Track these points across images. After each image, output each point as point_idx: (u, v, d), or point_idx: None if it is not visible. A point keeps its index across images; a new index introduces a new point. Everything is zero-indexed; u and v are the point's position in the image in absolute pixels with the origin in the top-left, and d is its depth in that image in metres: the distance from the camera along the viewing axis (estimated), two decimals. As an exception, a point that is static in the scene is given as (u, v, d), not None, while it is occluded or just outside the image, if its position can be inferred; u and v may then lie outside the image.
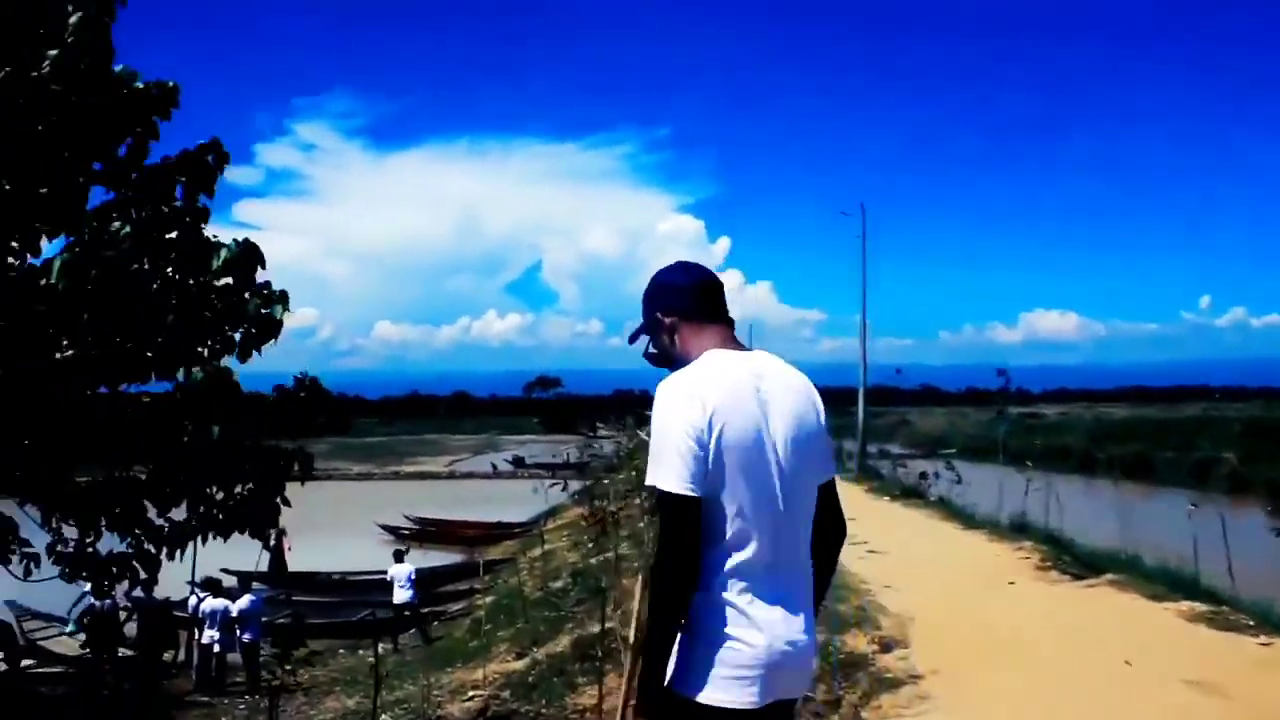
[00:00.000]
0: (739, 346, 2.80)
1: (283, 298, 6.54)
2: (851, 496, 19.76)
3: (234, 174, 6.92)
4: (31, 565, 7.01)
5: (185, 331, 6.45)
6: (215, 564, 16.82)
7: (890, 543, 11.33)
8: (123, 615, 15.62)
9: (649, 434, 2.76)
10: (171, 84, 6.52)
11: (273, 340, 6.57)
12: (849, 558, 10.28)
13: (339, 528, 32.52)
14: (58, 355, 6.34)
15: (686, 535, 2.51)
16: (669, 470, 2.53)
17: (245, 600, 15.75)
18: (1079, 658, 7.06)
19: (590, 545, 21.81)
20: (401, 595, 18.63)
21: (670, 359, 2.84)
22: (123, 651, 15.91)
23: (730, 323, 2.88)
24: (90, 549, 6.94)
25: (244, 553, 17.23)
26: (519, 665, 11.89)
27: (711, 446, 2.53)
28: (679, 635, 2.58)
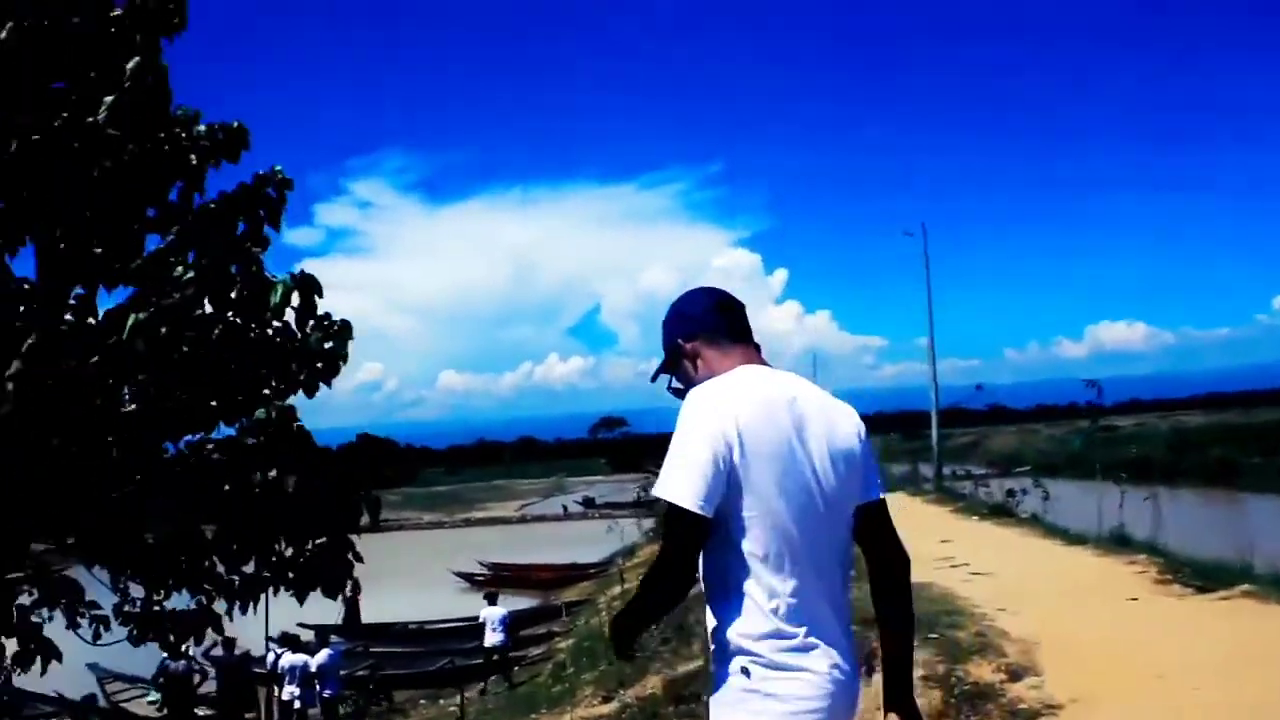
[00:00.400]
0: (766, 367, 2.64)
1: (345, 328, 6.20)
2: (938, 518, 19.33)
3: (294, 235, 6.67)
4: (101, 628, 6.72)
5: (249, 376, 6.15)
6: (290, 618, 16.56)
7: (992, 563, 10.73)
8: (196, 677, 15.44)
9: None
10: (237, 124, 6.24)
11: (337, 374, 6.22)
12: (953, 581, 9.73)
13: (412, 577, 32.33)
14: (122, 410, 6.05)
15: (686, 555, 2.38)
16: (680, 484, 2.36)
17: (324, 655, 15.44)
18: (1245, 682, 6.31)
19: None
20: (493, 638, 18.27)
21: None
22: (202, 711, 15.74)
23: (756, 346, 2.70)
24: (158, 607, 6.60)
25: (318, 606, 17.12)
26: (606, 709, 11.48)
27: (736, 460, 2.36)
28: (716, 671, 2.45)
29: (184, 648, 15.19)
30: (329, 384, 6.21)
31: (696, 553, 2.39)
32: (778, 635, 2.36)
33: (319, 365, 6.18)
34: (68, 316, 6.06)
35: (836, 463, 2.48)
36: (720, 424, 2.38)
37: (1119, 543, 13.94)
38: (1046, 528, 15.10)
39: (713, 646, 2.49)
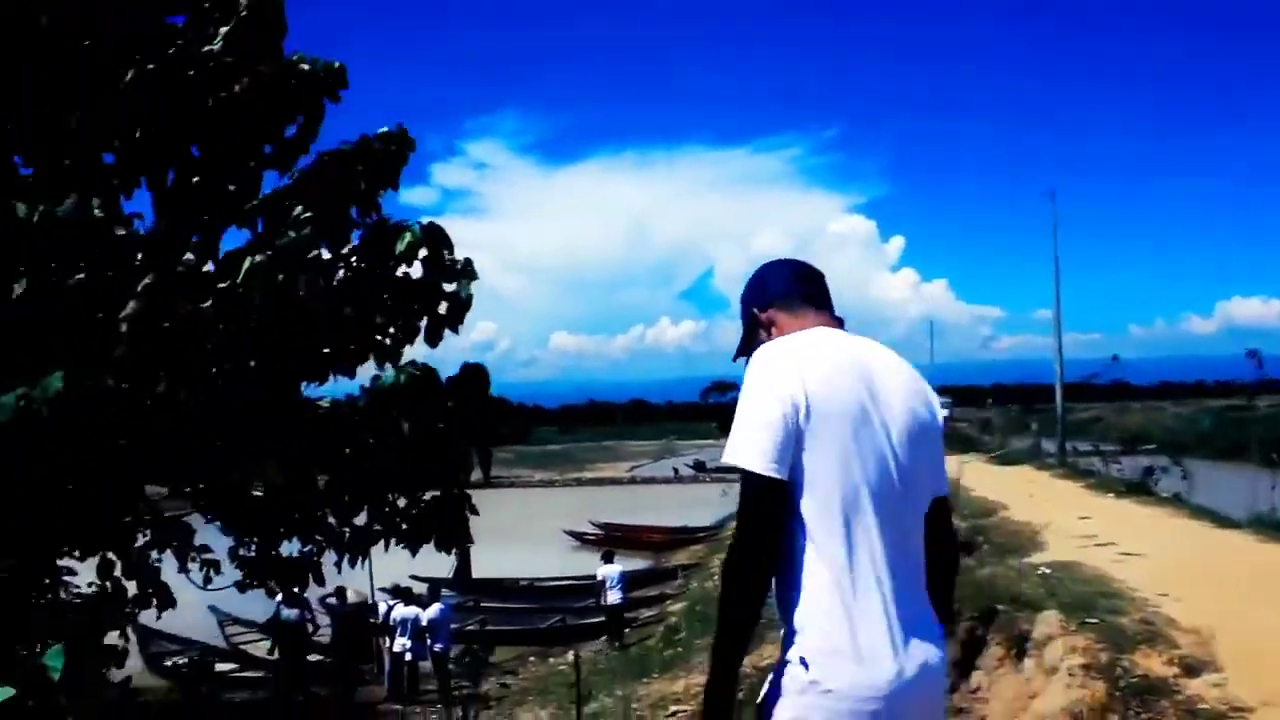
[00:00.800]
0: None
1: (468, 267, 5.85)
2: (1070, 493, 18.37)
3: (410, 195, 6.43)
4: (211, 572, 6.57)
5: (367, 324, 5.85)
6: (402, 570, 16.58)
7: (1140, 544, 9.96)
8: (309, 625, 15.53)
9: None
10: (338, 65, 6.06)
11: (461, 320, 5.88)
12: (1102, 561, 9.02)
13: (522, 534, 32.41)
14: (237, 356, 5.81)
15: (765, 525, 2.13)
16: (750, 446, 2.14)
17: (435, 609, 15.40)
18: None
19: None
20: (612, 597, 18.14)
21: None
22: (315, 658, 15.90)
23: (836, 316, 2.49)
24: (272, 554, 6.41)
25: (430, 559, 17.10)
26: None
27: (802, 421, 2.14)
28: (779, 658, 2.15)
29: (298, 595, 15.36)
30: (455, 329, 5.88)
31: (778, 520, 2.14)
32: (844, 619, 2.10)
33: (442, 311, 5.86)
34: (188, 256, 5.86)
35: (916, 438, 2.26)
36: (786, 382, 2.17)
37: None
38: (1193, 509, 14.14)
39: (780, 631, 2.20)
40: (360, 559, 6.32)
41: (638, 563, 27.27)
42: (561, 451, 75.16)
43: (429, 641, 15.06)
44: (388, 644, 15.67)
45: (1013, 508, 14.14)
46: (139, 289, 5.19)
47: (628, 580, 18.17)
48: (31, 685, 3.11)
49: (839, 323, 2.47)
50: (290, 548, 6.50)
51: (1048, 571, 8.20)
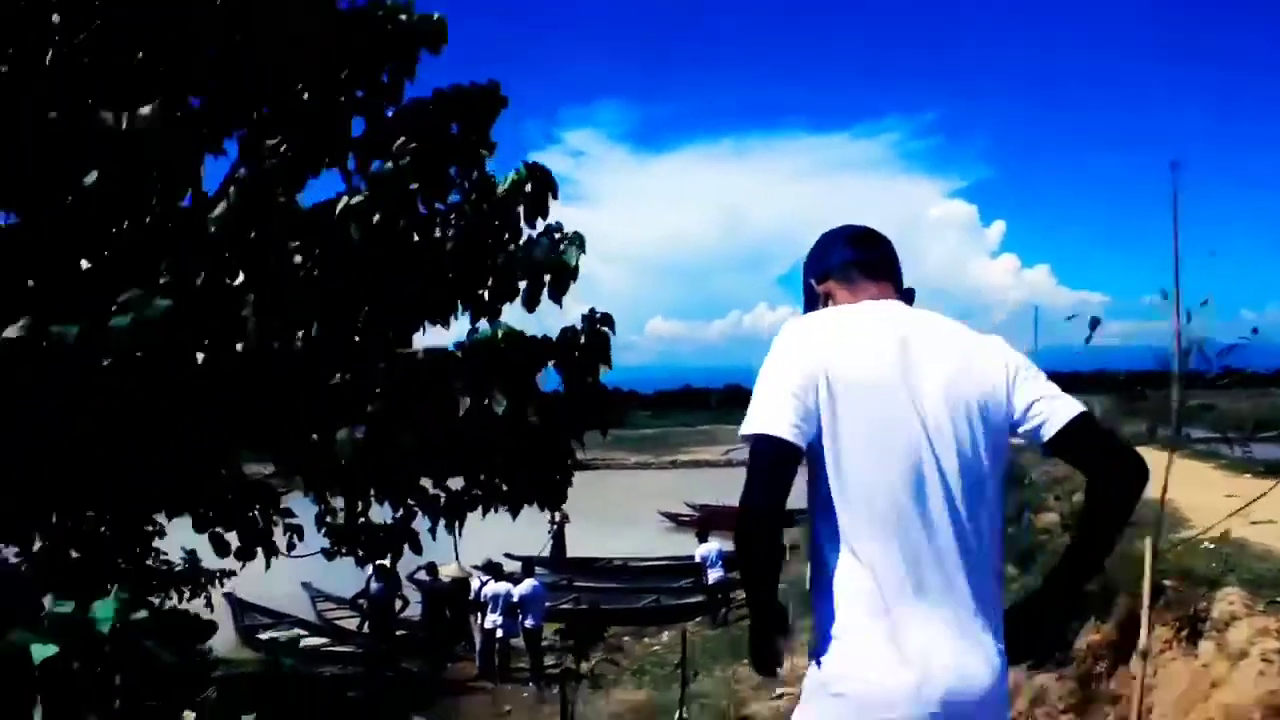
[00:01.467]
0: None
1: (577, 239, 5.47)
2: (1201, 472, 17.13)
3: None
4: (295, 537, 6.29)
5: (465, 274, 5.50)
6: (496, 548, 16.45)
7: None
8: (398, 601, 15.40)
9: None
10: (437, 16, 5.83)
11: (565, 291, 5.50)
12: (1272, 538, 8.18)
13: (617, 516, 32.18)
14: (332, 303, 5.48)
15: (767, 488, 2.01)
16: (761, 412, 2.04)
17: (527, 585, 15.12)
18: None
19: None
20: (713, 575, 17.83)
21: None
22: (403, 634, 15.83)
23: (900, 284, 2.34)
24: (360, 520, 6.08)
25: (522, 538, 17.00)
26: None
27: (823, 396, 2.03)
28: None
29: (385, 567, 15.26)
30: (557, 300, 5.49)
31: (785, 490, 2.02)
32: (863, 619, 1.99)
33: (545, 277, 5.47)
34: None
35: (967, 408, 2.09)
36: (807, 356, 2.07)
37: None
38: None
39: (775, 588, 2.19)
40: (455, 525, 5.97)
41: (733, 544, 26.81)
42: (657, 435, 74.93)
43: (521, 618, 14.82)
44: (479, 621, 15.46)
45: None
46: (219, 213, 4.89)
47: (726, 558, 17.65)
48: (79, 638, 2.80)
49: (905, 293, 2.34)
50: (381, 515, 6.19)
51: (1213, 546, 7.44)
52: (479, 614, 15.39)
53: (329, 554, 6.15)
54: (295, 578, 21.01)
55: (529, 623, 14.76)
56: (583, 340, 5.68)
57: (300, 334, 5.14)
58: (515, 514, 5.80)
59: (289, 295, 5.03)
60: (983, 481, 2.09)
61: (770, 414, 2.02)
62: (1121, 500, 2.10)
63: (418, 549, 6.13)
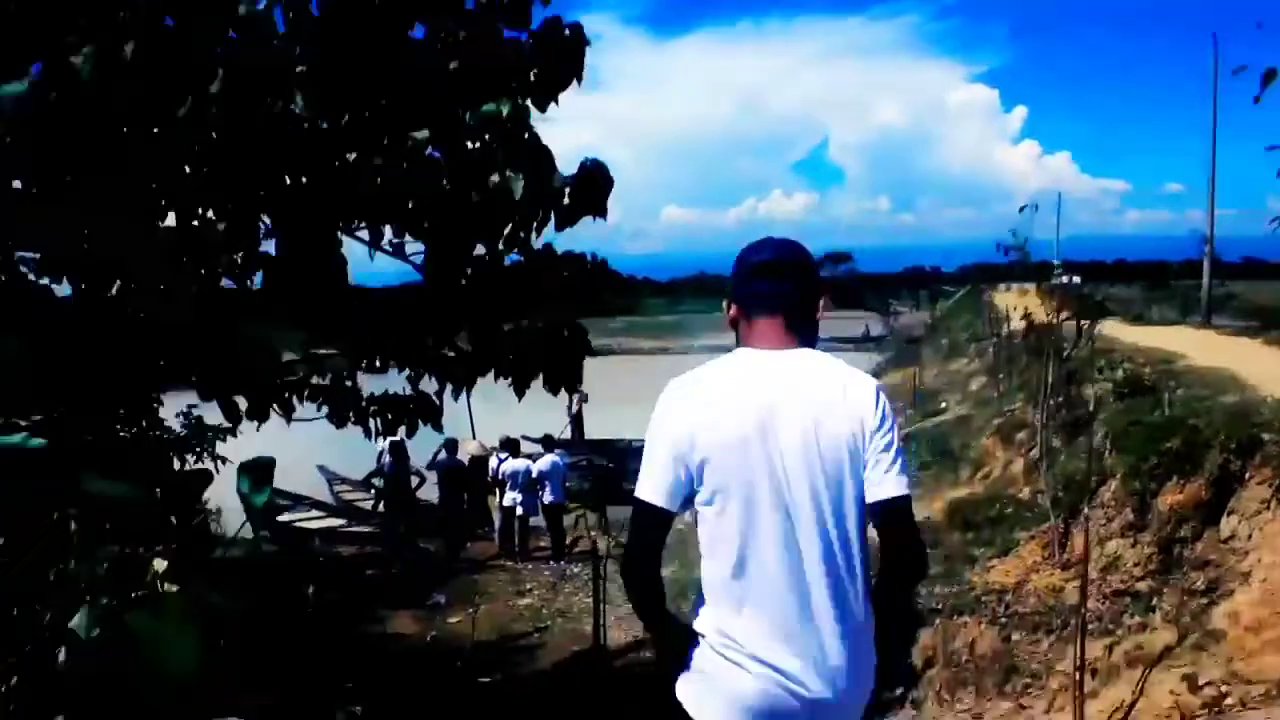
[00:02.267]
0: (790, 342, 2.48)
1: (577, 32, 4.72)
2: (1243, 345, 16.60)
3: None
4: (295, 399, 5.72)
5: (458, 73, 4.75)
6: (518, 428, 16.08)
7: None
8: (414, 479, 15.08)
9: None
10: None
11: (565, 87, 4.73)
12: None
13: (635, 399, 31.73)
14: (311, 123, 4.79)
15: (647, 546, 2.44)
16: (644, 481, 2.43)
17: (547, 460, 14.73)
18: None
19: (910, 411, 20.44)
20: None
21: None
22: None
23: (793, 310, 2.52)
24: (352, 385, 5.52)
25: (539, 420, 16.64)
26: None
27: (693, 461, 2.36)
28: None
29: (398, 444, 14.92)
30: (554, 98, 4.75)
31: (658, 544, 2.42)
32: (734, 651, 2.33)
33: (548, 73, 4.74)
34: None
35: (822, 463, 2.33)
36: (677, 427, 2.39)
37: None
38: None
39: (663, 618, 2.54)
40: (463, 390, 5.40)
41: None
42: (673, 323, 74.71)
43: (540, 494, 14.47)
44: (498, 499, 15.13)
45: (1192, 356, 12.70)
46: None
47: None
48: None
49: (797, 321, 2.51)
50: (386, 384, 5.64)
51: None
52: (498, 492, 15.06)
53: (339, 421, 5.57)
54: (310, 461, 20.87)
55: (549, 498, 14.42)
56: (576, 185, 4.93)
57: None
58: (521, 389, 5.18)
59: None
60: (843, 523, 2.33)
61: (647, 484, 2.40)
62: (898, 584, 2.48)
63: (438, 425, 5.58)
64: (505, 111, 4.18)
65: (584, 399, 23.50)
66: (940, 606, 6.80)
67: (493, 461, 15.55)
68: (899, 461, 2.38)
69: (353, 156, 4.49)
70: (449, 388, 5.41)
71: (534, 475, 14.52)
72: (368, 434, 5.49)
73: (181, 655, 2.44)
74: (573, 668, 8.77)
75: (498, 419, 17.89)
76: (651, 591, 2.48)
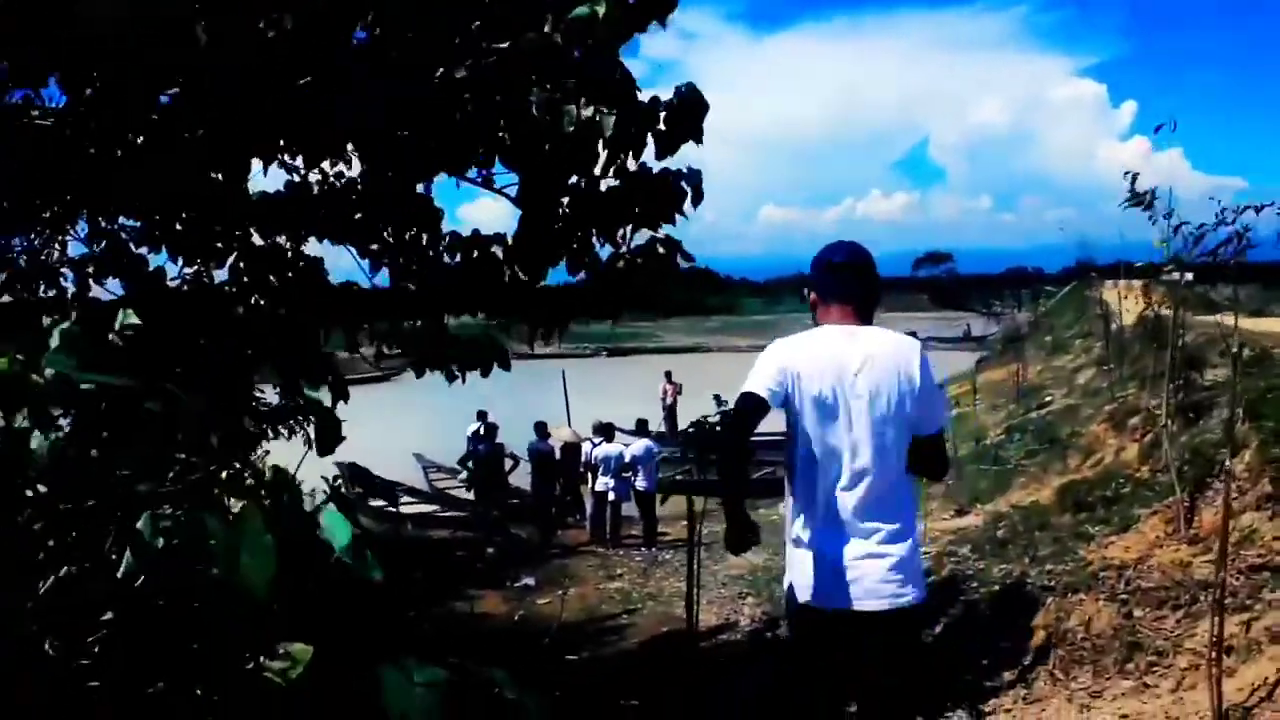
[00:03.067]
0: (858, 322, 3.45)
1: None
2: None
3: None
4: (384, 347, 5.57)
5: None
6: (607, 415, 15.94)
7: None
8: (508, 461, 14.97)
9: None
10: None
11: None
12: None
13: (731, 393, 31.46)
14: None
15: (740, 422, 3.28)
16: (752, 380, 3.32)
17: (640, 445, 14.50)
18: None
19: (1013, 406, 19.90)
20: None
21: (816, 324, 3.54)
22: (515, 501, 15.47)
23: (861, 300, 3.49)
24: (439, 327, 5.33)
25: (636, 414, 16.48)
26: (966, 522, 9.78)
27: (792, 375, 3.30)
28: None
29: (490, 426, 14.85)
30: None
31: (752, 425, 3.27)
32: (813, 529, 3.32)
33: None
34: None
35: (882, 401, 3.28)
36: (783, 356, 3.36)
37: None
38: None
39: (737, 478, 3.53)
40: (555, 333, 5.19)
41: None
42: (769, 322, 74.11)
43: (634, 480, 14.25)
44: (590, 484, 14.96)
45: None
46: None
47: None
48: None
49: (863, 308, 3.49)
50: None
51: None
52: (590, 477, 14.89)
53: (417, 367, 5.39)
54: (407, 448, 21.02)
55: (641, 485, 14.19)
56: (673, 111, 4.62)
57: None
58: (616, 317, 4.94)
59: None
60: (884, 436, 3.26)
61: (755, 380, 3.29)
62: (930, 476, 3.70)
63: (506, 365, 5.37)
64: (602, 11, 3.89)
65: (679, 390, 23.34)
66: (1053, 584, 6.38)
67: (586, 447, 15.39)
68: (939, 404, 3.58)
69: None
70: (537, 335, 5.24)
71: (627, 460, 14.31)
72: (449, 378, 5.30)
73: (258, 568, 2.25)
74: (662, 647, 8.52)
75: (592, 408, 17.86)
76: (738, 461, 3.39)
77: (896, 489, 3.28)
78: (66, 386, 2.39)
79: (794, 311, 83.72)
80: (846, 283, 3.48)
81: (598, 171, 4.33)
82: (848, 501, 3.23)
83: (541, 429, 15.16)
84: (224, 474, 3.00)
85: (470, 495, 15.98)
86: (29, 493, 2.26)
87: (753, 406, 3.22)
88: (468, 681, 2.59)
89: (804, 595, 3.26)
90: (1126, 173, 6.78)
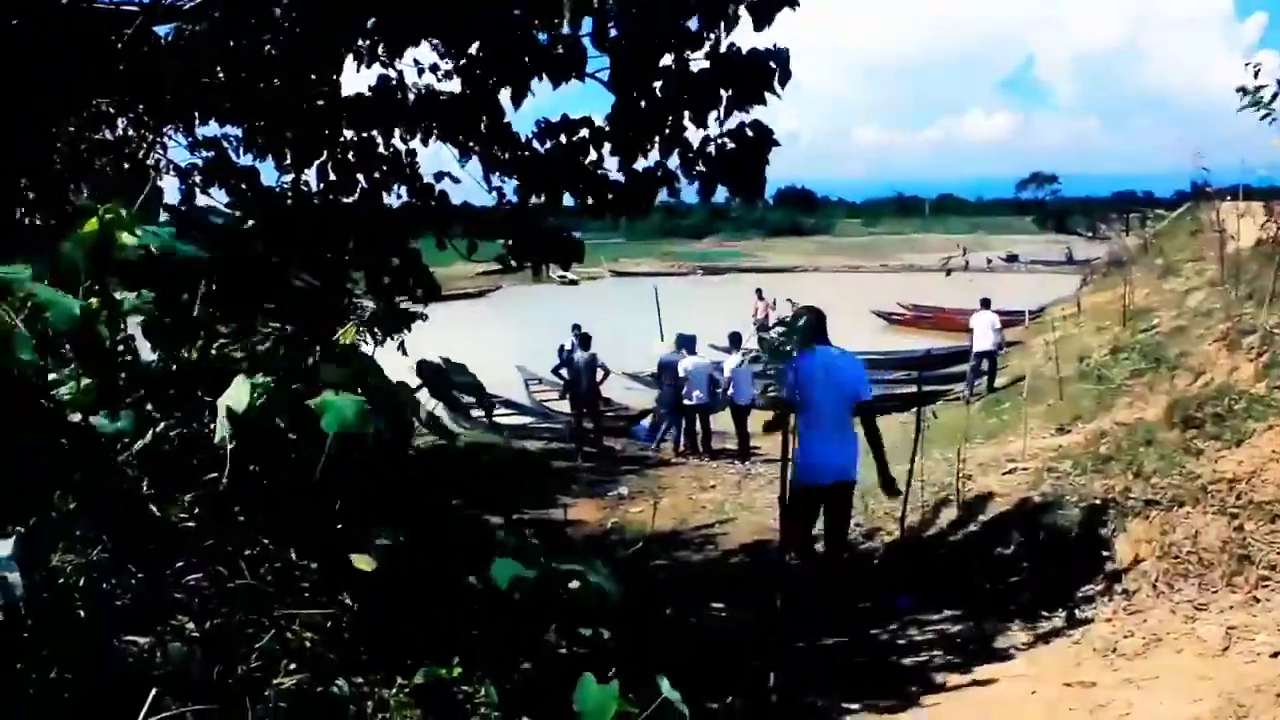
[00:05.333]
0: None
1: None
2: None
3: None
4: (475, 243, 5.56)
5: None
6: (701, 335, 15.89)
7: None
8: (599, 372, 14.98)
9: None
10: None
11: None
12: None
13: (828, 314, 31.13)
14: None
15: (784, 413, 6.55)
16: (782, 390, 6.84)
17: (734, 360, 14.41)
18: None
19: (1119, 329, 19.38)
20: (984, 341, 17.97)
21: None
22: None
23: (825, 335, 6.79)
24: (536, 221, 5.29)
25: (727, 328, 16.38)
26: (1068, 440, 9.56)
27: (794, 381, 6.55)
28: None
29: (585, 336, 14.88)
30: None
31: (786, 415, 6.50)
32: (806, 446, 6.49)
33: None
34: None
35: (839, 385, 6.47)
36: (794, 370, 6.59)
37: None
38: None
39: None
40: (640, 212, 5.10)
41: (950, 343, 25.59)
42: (867, 243, 72.92)
43: (731, 394, 14.21)
44: (685, 395, 14.95)
45: None
46: None
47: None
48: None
49: (823, 337, 6.73)
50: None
51: None
52: (685, 391, 14.88)
53: (504, 261, 5.38)
54: (506, 362, 21.28)
55: (737, 399, 14.16)
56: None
57: None
58: (708, 195, 4.84)
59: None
60: (840, 405, 6.49)
61: (785, 393, 6.65)
62: (870, 428, 6.64)
63: (579, 256, 5.32)
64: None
65: (771, 305, 23.11)
66: (1158, 499, 6.20)
67: (685, 363, 15.33)
68: (868, 386, 6.73)
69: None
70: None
71: (722, 374, 14.28)
72: (535, 272, 5.28)
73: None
74: (755, 554, 8.55)
75: (688, 325, 17.80)
76: (782, 427, 6.45)
77: (844, 428, 6.55)
78: (162, 254, 2.41)
79: (892, 233, 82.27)
80: (822, 330, 6.75)
81: (689, 51, 4.22)
82: (829, 434, 6.46)
83: (686, 341, 15.18)
84: (319, 348, 3.03)
85: (566, 406, 16.14)
86: (122, 355, 2.29)
87: (784, 408, 6.62)
88: (558, 572, 2.60)
89: (805, 477, 6.47)
90: (1248, 63, 6.39)
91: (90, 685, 1.29)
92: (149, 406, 2.30)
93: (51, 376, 2.12)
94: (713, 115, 4.45)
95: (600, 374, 15.03)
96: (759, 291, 24.44)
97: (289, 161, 5.56)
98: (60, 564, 1.50)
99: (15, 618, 1.26)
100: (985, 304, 19.34)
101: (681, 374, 14.54)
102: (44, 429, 1.78)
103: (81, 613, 1.44)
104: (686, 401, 14.55)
